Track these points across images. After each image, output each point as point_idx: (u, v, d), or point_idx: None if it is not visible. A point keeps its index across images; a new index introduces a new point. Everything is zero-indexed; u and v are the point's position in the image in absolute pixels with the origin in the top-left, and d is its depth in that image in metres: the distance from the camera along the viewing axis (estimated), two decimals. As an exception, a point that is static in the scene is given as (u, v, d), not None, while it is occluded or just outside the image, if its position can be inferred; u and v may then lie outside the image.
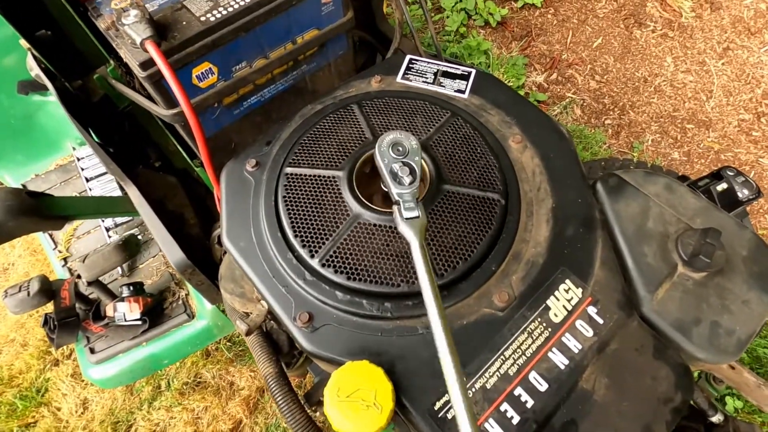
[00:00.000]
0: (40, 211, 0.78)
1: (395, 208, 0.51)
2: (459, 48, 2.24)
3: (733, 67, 2.12)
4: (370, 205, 0.61)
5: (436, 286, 0.46)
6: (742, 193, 0.96)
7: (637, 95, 2.10)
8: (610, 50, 2.23)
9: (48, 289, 1.00)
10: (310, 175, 0.65)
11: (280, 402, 0.67)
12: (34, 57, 0.81)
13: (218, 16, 0.72)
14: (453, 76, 0.78)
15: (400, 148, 0.53)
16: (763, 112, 1.99)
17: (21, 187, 1.44)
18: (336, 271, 0.57)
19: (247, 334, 0.70)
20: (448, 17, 2.32)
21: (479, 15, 2.32)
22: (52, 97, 0.92)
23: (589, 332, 0.56)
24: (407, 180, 0.52)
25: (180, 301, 1.12)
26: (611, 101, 2.10)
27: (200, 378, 1.69)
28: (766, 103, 2.01)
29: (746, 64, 2.12)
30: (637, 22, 2.28)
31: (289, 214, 0.62)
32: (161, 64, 0.63)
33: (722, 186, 0.96)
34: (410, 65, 0.80)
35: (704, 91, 2.07)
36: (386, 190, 0.62)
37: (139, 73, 0.69)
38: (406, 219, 0.50)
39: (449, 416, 0.51)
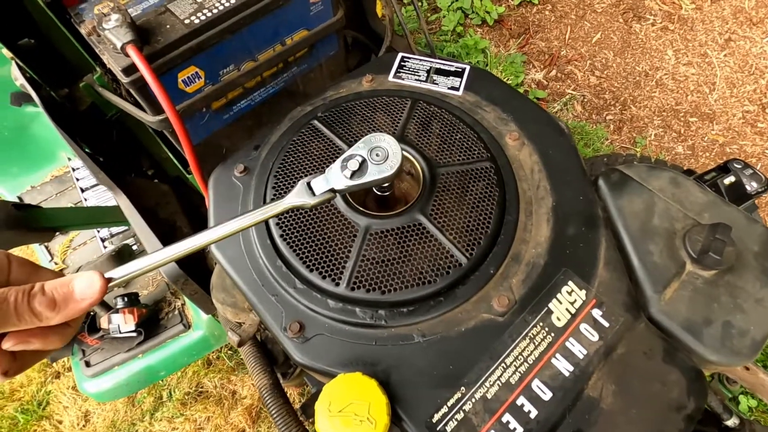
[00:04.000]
0: (28, 223, 0.77)
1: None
2: (456, 47, 2.22)
3: (736, 59, 2.08)
4: (375, 213, 0.58)
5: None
6: (751, 186, 0.93)
7: (639, 90, 2.06)
8: (610, 45, 2.20)
9: (41, 302, 0.98)
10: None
11: (275, 415, 0.65)
12: (18, 66, 0.80)
13: (203, 18, 0.70)
14: (446, 74, 0.76)
15: (379, 153, 0.48)
16: (768, 103, 1.96)
17: (17, 199, 1.43)
18: (356, 288, 0.54)
19: (240, 345, 0.67)
20: (444, 17, 2.30)
21: (476, 14, 2.30)
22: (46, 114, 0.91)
23: (594, 336, 0.53)
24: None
25: (176, 312, 1.10)
26: (612, 96, 2.07)
27: (202, 388, 1.67)
28: (771, 94, 1.97)
29: (749, 54, 2.08)
30: (636, 16, 2.25)
31: (295, 252, 0.58)
32: (143, 68, 0.61)
33: (730, 179, 0.93)
34: (402, 63, 0.78)
35: (707, 84, 2.04)
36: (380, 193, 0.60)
37: (123, 79, 0.67)
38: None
39: (448, 429, 0.48)
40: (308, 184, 0.47)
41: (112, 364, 1.04)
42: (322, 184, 0.47)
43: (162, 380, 1.67)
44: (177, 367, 1.12)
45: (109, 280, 0.37)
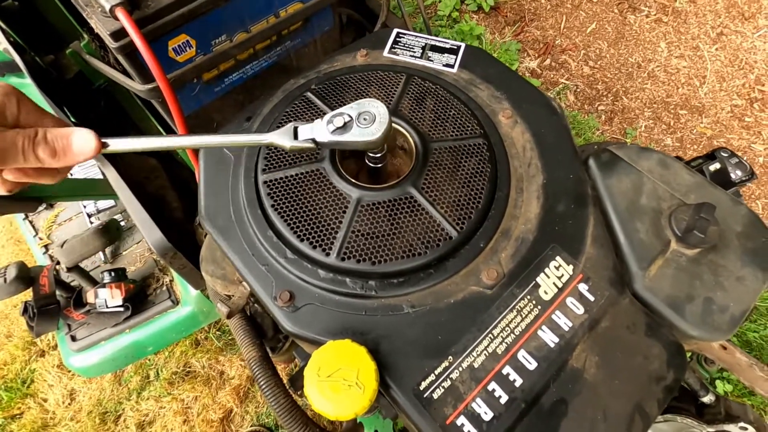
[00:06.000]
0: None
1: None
2: (451, 33, 2.20)
3: (727, 53, 2.10)
4: (367, 185, 0.58)
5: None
6: (735, 174, 0.94)
7: (631, 81, 2.08)
8: (604, 36, 2.20)
9: (26, 276, 0.97)
10: (292, 175, 0.60)
11: (264, 386, 0.65)
12: (1, 29, 0.77)
13: (195, -16, 0.69)
14: (442, 50, 0.75)
15: (367, 117, 0.49)
16: (756, 98, 1.99)
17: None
18: (346, 258, 0.55)
19: (228, 316, 0.67)
20: (440, 1, 2.28)
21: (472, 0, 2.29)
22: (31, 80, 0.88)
23: (579, 310, 0.54)
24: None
25: (164, 288, 1.09)
26: (605, 87, 2.08)
27: (190, 367, 1.67)
28: (759, 89, 2.00)
29: (740, 49, 2.10)
30: (631, 7, 2.26)
31: (286, 221, 0.57)
32: (132, 33, 0.60)
33: (715, 166, 0.94)
34: (397, 39, 0.77)
35: (698, 77, 2.06)
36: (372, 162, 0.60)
37: (111, 44, 0.65)
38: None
39: (435, 396, 0.49)
40: (295, 128, 0.50)
41: (98, 339, 1.04)
42: (306, 132, 0.49)
43: (149, 359, 1.67)
44: (165, 344, 1.12)
45: (105, 144, 0.41)
